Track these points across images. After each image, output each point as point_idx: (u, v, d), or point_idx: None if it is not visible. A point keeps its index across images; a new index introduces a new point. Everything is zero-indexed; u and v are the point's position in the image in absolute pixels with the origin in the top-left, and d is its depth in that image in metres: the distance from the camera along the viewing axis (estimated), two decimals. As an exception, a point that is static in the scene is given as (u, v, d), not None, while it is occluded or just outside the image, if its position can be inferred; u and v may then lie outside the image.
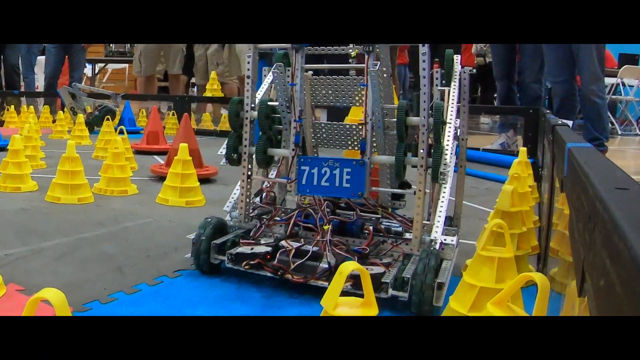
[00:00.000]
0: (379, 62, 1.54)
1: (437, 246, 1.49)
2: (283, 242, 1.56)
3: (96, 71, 10.36)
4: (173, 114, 5.87)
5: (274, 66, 1.63)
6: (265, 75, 1.92)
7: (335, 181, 1.54)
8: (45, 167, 3.49)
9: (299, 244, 1.55)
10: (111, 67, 10.88)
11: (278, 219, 1.71)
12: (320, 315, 0.96)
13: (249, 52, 1.70)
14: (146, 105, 6.71)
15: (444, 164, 1.52)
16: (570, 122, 2.74)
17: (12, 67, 7.37)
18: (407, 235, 1.61)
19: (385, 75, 1.72)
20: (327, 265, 1.45)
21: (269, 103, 1.71)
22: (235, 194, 1.80)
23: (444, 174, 1.52)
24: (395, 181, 1.73)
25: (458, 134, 1.79)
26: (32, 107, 5.79)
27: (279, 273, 1.48)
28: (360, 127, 1.64)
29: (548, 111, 3.55)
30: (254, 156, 1.71)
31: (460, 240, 1.80)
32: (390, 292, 1.36)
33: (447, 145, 1.61)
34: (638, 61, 7.88)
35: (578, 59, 3.89)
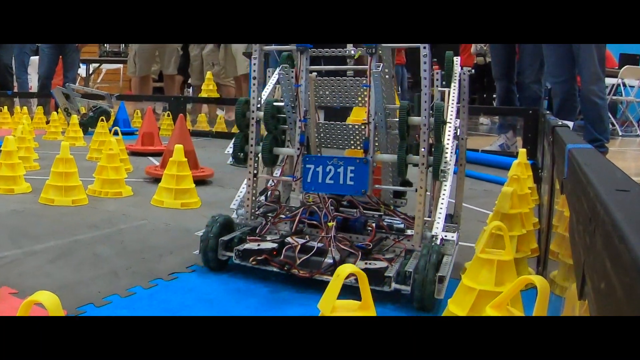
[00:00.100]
0: (381, 64, 1.60)
1: (438, 242, 1.54)
2: (288, 239, 1.61)
3: (90, 71, 10.31)
4: (168, 115, 5.85)
5: (280, 67, 1.68)
6: (269, 77, 1.96)
7: (339, 179, 1.59)
8: (38, 169, 3.47)
9: (304, 240, 1.60)
10: (105, 67, 10.84)
11: (283, 216, 1.76)
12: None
13: (255, 53, 1.74)
14: (141, 106, 6.69)
15: (445, 162, 1.57)
16: (570, 123, 2.73)
17: (5, 67, 7.32)
18: (409, 232, 1.65)
19: (387, 76, 1.77)
20: (331, 261, 1.50)
21: (275, 103, 1.75)
22: (241, 192, 1.84)
23: (444, 172, 1.56)
24: (397, 179, 1.78)
25: (458, 134, 1.84)
26: (25, 107, 5.76)
27: (285, 268, 1.52)
28: (363, 126, 1.70)
29: (548, 112, 3.54)
30: (259, 155, 1.76)
31: (459, 243, 1.81)
32: (393, 285, 1.41)
33: (448, 144, 1.66)
34: (639, 61, 7.83)
35: (578, 59, 3.87)
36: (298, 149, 1.69)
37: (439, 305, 1.42)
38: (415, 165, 1.58)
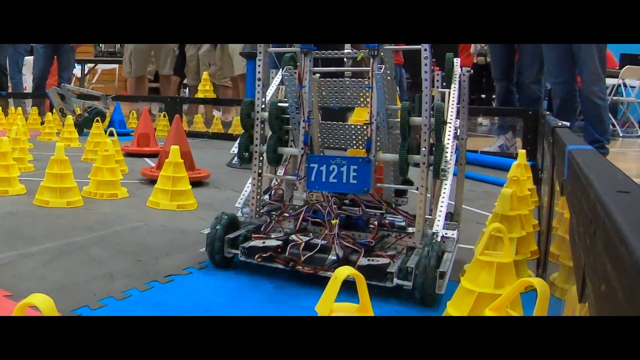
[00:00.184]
0: (384, 66, 1.64)
1: (439, 239, 1.58)
2: (293, 236, 1.65)
3: (85, 72, 10.26)
4: (164, 116, 5.82)
5: (284, 69, 1.73)
6: (272, 77, 2.01)
7: (342, 178, 1.64)
8: (33, 170, 3.44)
9: (308, 238, 1.64)
10: (101, 67, 10.79)
11: (287, 214, 1.80)
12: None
13: (260, 55, 1.79)
14: (137, 106, 6.66)
15: (445, 162, 1.62)
16: (566, 123, 2.72)
17: (-1, 67, 7.28)
18: (410, 230, 1.70)
19: (389, 78, 1.82)
20: (335, 257, 1.54)
21: (279, 104, 1.79)
22: (246, 191, 1.89)
23: (444, 171, 1.62)
24: (398, 178, 1.83)
25: (458, 134, 1.89)
26: (20, 108, 5.70)
27: (290, 265, 1.57)
28: (365, 127, 1.74)
29: (548, 112, 3.53)
30: (264, 155, 1.81)
31: (458, 245, 1.82)
32: (396, 281, 1.45)
33: (448, 143, 1.71)
34: (640, 61, 7.82)
35: (579, 59, 3.84)
36: (302, 148, 1.73)
37: (439, 299, 1.46)
38: (416, 164, 1.61)
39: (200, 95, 6.86)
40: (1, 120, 5.90)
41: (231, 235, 1.70)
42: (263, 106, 1.79)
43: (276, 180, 1.92)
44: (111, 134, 3.62)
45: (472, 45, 7.64)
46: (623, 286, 0.48)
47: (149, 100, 7.30)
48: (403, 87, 8.09)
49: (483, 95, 8.03)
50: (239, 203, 1.88)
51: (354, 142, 1.93)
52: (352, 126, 1.94)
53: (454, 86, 1.87)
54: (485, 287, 1.11)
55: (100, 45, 10.33)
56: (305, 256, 1.55)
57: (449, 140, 1.73)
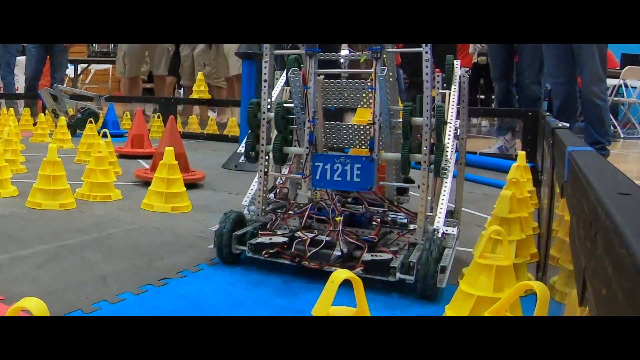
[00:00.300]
0: (386, 67, 1.69)
1: (440, 235, 1.64)
2: (298, 233, 1.71)
3: (78, 72, 10.20)
4: (158, 117, 5.80)
5: (290, 70, 1.77)
6: (277, 79, 2.06)
7: (346, 176, 1.69)
8: (25, 172, 3.41)
9: (313, 235, 1.69)
10: (94, 67, 10.73)
11: (292, 212, 1.86)
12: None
13: (265, 56, 1.84)
14: (130, 107, 6.63)
15: (445, 161, 1.66)
16: (566, 124, 2.71)
17: (-10, 68, 7.22)
18: (412, 226, 1.75)
19: (391, 79, 1.86)
20: (340, 253, 1.60)
21: (284, 105, 1.84)
22: (252, 189, 1.94)
23: (445, 169, 1.65)
24: (400, 177, 1.88)
25: (458, 133, 1.95)
26: (11, 109, 5.64)
27: (296, 260, 1.62)
28: (368, 127, 1.79)
29: (548, 113, 3.53)
30: (270, 154, 1.85)
31: (457, 248, 1.83)
32: (398, 275, 1.51)
33: (448, 143, 1.78)
34: (641, 62, 7.79)
35: (579, 60, 3.82)
36: (307, 147, 1.77)
37: (440, 293, 1.53)
38: (418, 163, 1.66)
39: (195, 95, 6.83)
40: (-7, 121, 5.85)
41: (238, 232, 1.76)
42: (269, 107, 1.85)
43: (281, 179, 1.97)
44: (104, 135, 3.59)
45: (471, 45, 7.62)
46: (624, 289, 0.48)
47: (143, 101, 7.28)
48: (401, 88, 8.09)
49: (482, 96, 7.99)
50: (245, 201, 1.93)
51: (357, 141, 1.97)
52: (355, 126, 1.98)
53: (454, 87, 1.94)
54: (485, 291, 1.11)
55: (94, 45, 10.29)
56: (311, 252, 1.61)
57: (449, 140, 1.79)
